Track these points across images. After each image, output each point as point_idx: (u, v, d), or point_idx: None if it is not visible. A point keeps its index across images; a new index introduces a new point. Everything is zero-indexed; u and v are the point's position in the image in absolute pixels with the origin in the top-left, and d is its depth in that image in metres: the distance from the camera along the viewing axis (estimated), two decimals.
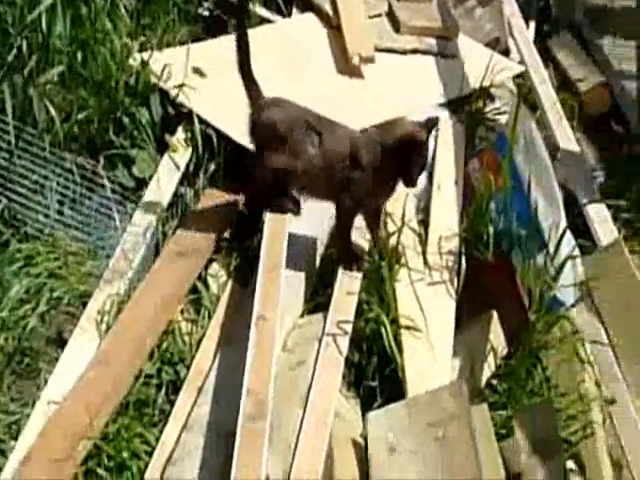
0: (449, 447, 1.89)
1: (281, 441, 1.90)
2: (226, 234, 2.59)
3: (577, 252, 2.67)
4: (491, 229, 2.54)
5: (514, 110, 2.99)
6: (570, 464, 2.13)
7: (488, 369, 2.35)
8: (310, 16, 3.45)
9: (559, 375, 2.34)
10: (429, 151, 2.38)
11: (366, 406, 2.15)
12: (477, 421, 2.02)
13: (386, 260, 2.38)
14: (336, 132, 2.40)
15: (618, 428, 2.27)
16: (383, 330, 2.22)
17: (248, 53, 2.46)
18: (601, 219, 2.91)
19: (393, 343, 2.17)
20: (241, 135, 2.72)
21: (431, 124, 2.37)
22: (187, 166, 2.65)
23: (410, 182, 2.35)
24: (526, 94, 3.51)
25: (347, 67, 3.19)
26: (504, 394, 2.28)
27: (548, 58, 3.90)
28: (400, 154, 2.30)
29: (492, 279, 2.46)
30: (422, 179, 2.84)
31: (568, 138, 3.28)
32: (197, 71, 2.84)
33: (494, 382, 2.33)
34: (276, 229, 2.40)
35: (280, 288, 2.21)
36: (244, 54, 2.46)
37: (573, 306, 2.50)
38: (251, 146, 2.63)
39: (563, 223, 2.71)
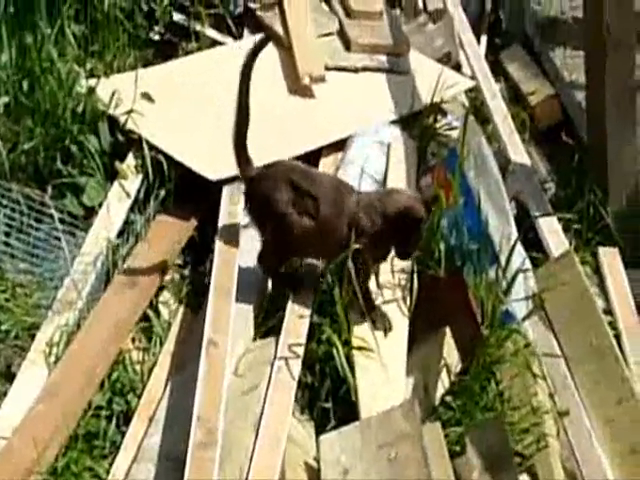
0: (401, 467, 1.89)
1: (233, 468, 1.89)
2: (178, 261, 2.60)
3: (528, 265, 2.70)
4: (442, 245, 2.56)
5: (463, 125, 3.04)
6: (524, 478, 2.15)
7: (442, 386, 2.36)
8: (261, 37, 3.47)
9: (512, 389, 2.34)
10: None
11: (320, 428, 2.14)
12: (430, 440, 2.03)
13: (337, 281, 2.39)
14: (333, 197, 2.32)
15: (572, 440, 2.28)
16: (335, 352, 2.21)
17: (247, 124, 2.40)
18: (552, 231, 2.94)
19: (345, 364, 2.17)
20: (191, 160, 2.73)
21: (429, 199, 2.36)
22: (137, 193, 2.64)
23: (405, 256, 2.35)
24: (478, 108, 3.57)
25: (298, 87, 3.21)
26: (458, 410, 2.28)
27: (499, 71, 3.95)
28: (398, 226, 2.28)
29: (445, 295, 2.47)
30: None
31: (519, 151, 3.31)
32: (146, 96, 2.84)
33: (448, 399, 2.34)
34: (227, 255, 2.39)
35: (231, 313, 2.21)
36: (242, 125, 2.40)
37: (525, 319, 2.52)
38: (206, 174, 2.65)
39: (514, 236, 2.73)
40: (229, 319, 2.18)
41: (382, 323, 2.33)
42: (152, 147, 2.71)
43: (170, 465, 1.91)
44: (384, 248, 2.36)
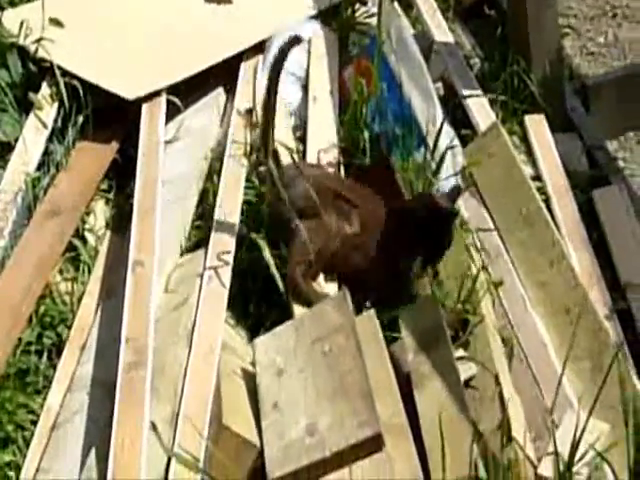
0: (335, 359, 1.78)
1: (167, 385, 1.79)
2: (103, 185, 2.45)
3: (456, 143, 2.56)
4: (366, 134, 2.42)
5: (378, 10, 2.86)
6: (461, 352, 2.06)
7: None
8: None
9: (447, 266, 2.24)
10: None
11: (255, 334, 2.03)
12: (364, 329, 1.93)
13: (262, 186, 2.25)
14: (370, 203, 2.12)
15: (507, 307, 2.20)
16: (267, 255, 2.10)
17: (273, 125, 2.11)
18: (479, 106, 2.78)
19: (273, 266, 2.06)
20: (107, 81, 2.55)
21: (455, 195, 2.12)
22: (55, 122, 2.46)
23: (433, 262, 2.10)
24: None
25: None
26: None
27: None
28: (431, 231, 2.05)
29: (373, 182, 2.34)
30: (297, 93, 2.73)
31: (443, 31, 3.12)
32: (54, 22, 2.63)
33: None
34: (149, 174, 2.25)
35: (156, 231, 2.08)
36: (269, 124, 2.10)
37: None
38: (123, 93, 2.48)
39: (439, 116, 2.58)
40: (154, 238, 2.06)
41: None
42: (66, 73, 2.52)
43: (104, 391, 1.81)
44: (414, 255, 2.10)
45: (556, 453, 1.66)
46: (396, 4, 3.25)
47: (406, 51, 2.76)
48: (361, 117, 2.46)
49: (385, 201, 2.27)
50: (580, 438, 1.70)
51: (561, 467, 1.69)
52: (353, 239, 2.10)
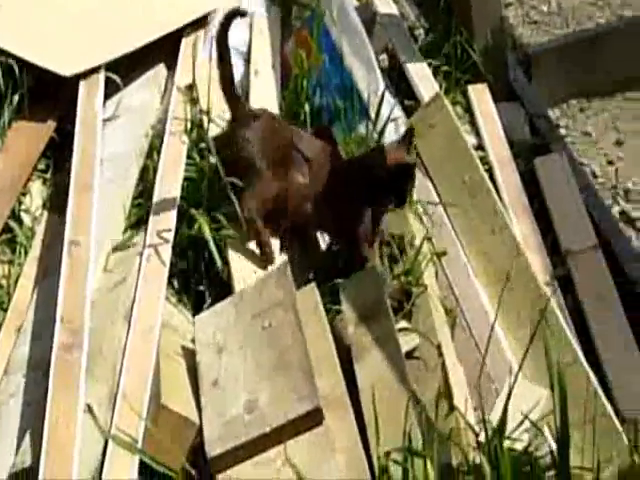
0: (275, 334, 1.75)
1: (104, 366, 1.74)
2: (41, 165, 2.38)
3: (399, 114, 2.53)
4: (307, 107, 2.37)
5: None
6: (404, 323, 2.04)
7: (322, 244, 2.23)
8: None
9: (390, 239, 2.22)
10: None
11: (197, 311, 1.99)
12: (306, 303, 1.90)
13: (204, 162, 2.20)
14: (324, 159, 2.11)
15: (450, 277, 2.18)
16: (206, 231, 2.06)
17: (230, 67, 2.14)
18: (422, 76, 2.75)
19: (212, 243, 2.02)
20: (42, 59, 2.46)
21: (409, 140, 2.12)
22: None
23: (402, 203, 2.10)
24: None
25: None
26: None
27: None
28: (392, 182, 2.05)
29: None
30: (239, 67, 2.67)
31: (386, 2, 3.08)
32: None
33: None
34: (86, 151, 2.18)
35: (93, 210, 2.02)
36: (226, 68, 2.15)
37: None
38: (59, 70, 2.40)
39: (382, 87, 2.55)
40: (91, 217, 2.00)
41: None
42: (0, 52, 2.45)
43: (40, 373, 1.75)
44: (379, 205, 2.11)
45: (484, 421, 1.63)
46: None
47: (347, 23, 2.72)
48: (302, 90, 2.41)
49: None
50: (507, 403, 1.67)
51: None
52: (304, 189, 2.09)
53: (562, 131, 2.86)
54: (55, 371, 1.65)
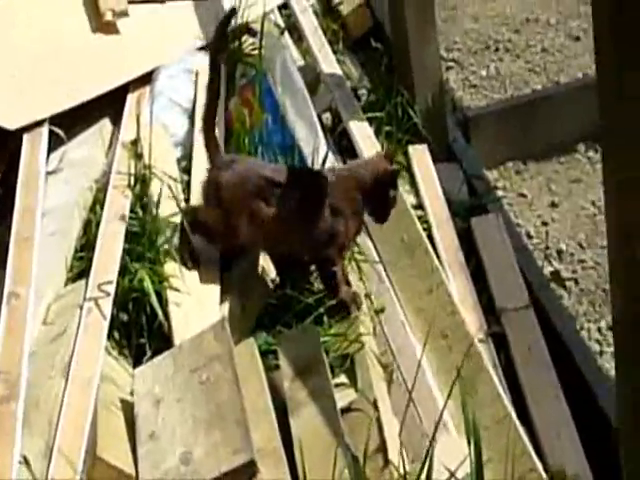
0: (212, 388, 1.83)
1: (41, 419, 1.79)
2: None
3: None
4: None
5: (259, 44, 2.94)
6: (342, 379, 2.13)
7: (261, 301, 2.32)
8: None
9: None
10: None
11: (137, 364, 2.07)
12: (244, 358, 1.99)
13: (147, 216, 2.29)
14: (305, 180, 2.20)
15: (388, 334, 2.28)
16: (147, 285, 2.14)
17: (216, 108, 2.22)
18: (364, 135, 2.89)
19: (154, 296, 2.09)
20: None
21: (390, 154, 2.28)
22: None
23: (384, 218, 2.24)
24: (294, 25, 3.47)
25: (101, 24, 3.04)
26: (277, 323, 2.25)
27: None
28: (375, 193, 2.18)
29: None
30: (183, 123, 2.78)
31: (330, 62, 3.23)
32: None
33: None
34: (27, 203, 2.26)
35: (33, 262, 2.10)
36: (211, 109, 2.21)
37: None
38: (3, 123, 2.46)
39: (323, 146, 2.68)
40: (31, 269, 2.07)
41: (353, 302, 2.20)
42: None
43: None
44: (362, 220, 2.24)
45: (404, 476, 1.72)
46: (286, 36, 3.38)
47: (290, 82, 2.86)
48: (243, 148, 2.53)
49: None
50: (430, 458, 1.76)
51: None
52: (281, 218, 2.14)
53: (499, 192, 3.02)
54: None
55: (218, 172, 2.18)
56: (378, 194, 2.19)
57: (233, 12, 2.35)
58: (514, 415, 2.06)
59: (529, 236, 2.95)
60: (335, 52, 3.40)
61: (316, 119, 2.74)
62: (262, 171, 2.18)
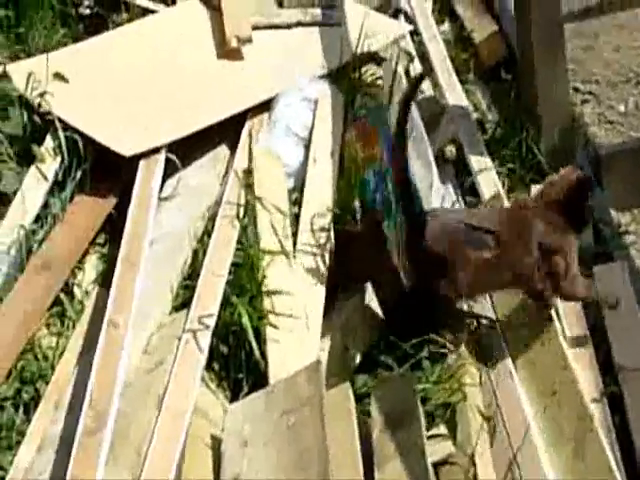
0: (298, 433, 1.82)
1: (128, 450, 1.84)
2: (100, 240, 2.54)
3: None
4: (357, 202, 2.48)
5: (389, 76, 2.93)
6: (442, 429, 2.08)
7: (363, 344, 2.30)
8: (194, 1, 3.37)
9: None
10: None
11: (235, 399, 2.09)
12: (339, 401, 1.97)
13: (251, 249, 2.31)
14: (511, 225, 2.21)
15: (495, 384, 2.20)
16: (245, 321, 2.16)
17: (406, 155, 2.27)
18: (485, 173, 2.82)
19: (251, 333, 2.11)
20: (105, 137, 2.63)
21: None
22: (55, 175, 2.58)
23: (582, 228, 2.27)
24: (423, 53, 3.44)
25: (226, 50, 3.11)
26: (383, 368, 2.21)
27: (446, 12, 3.81)
28: (572, 204, 2.21)
29: (363, 250, 2.40)
30: (299, 153, 2.80)
31: (457, 94, 3.19)
32: (59, 76, 2.75)
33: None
34: (136, 229, 2.33)
35: (135, 291, 2.15)
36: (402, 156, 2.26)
37: None
38: (120, 149, 2.56)
39: (436, 184, 2.64)
40: (133, 297, 2.13)
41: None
42: (67, 127, 2.63)
43: (69, 452, 1.85)
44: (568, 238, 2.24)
45: None
46: (415, 64, 3.35)
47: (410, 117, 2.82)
48: (356, 183, 2.52)
49: (374, 271, 2.34)
50: None
51: None
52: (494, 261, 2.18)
53: (630, 237, 2.88)
54: (76, 455, 1.76)
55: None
56: (574, 205, 2.21)
57: (423, 77, 2.41)
58: None
59: None
60: (465, 82, 3.36)
61: (431, 155, 2.70)
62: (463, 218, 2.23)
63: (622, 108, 3.29)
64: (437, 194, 2.56)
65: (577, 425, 2.07)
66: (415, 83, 2.41)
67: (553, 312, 2.33)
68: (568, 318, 2.39)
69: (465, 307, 2.34)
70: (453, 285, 2.20)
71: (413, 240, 2.22)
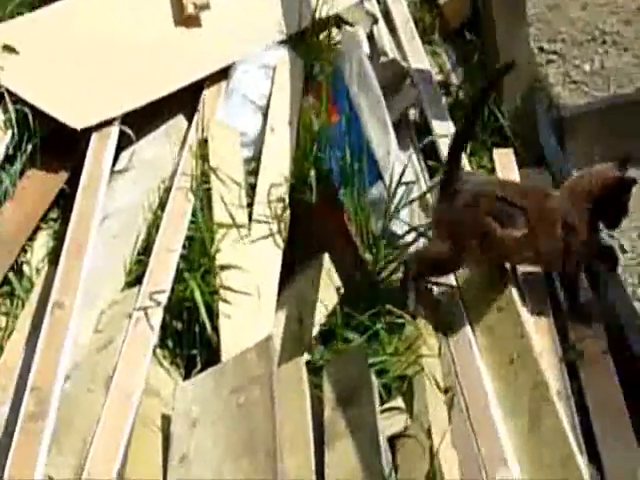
0: (248, 412, 1.76)
1: (74, 437, 1.77)
2: (52, 215, 2.46)
3: (412, 177, 2.52)
4: (312, 172, 2.39)
5: (344, 40, 2.84)
6: (399, 402, 2.02)
7: (320, 316, 2.23)
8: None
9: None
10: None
11: (189, 376, 2.02)
12: (292, 377, 1.91)
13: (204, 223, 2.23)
14: (539, 201, 2.15)
15: (454, 353, 2.15)
16: (197, 296, 2.09)
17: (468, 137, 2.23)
18: (446, 134, 2.74)
19: (203, 309, 2.04)
20: (56, 109, 2.53)
21: (625, 162, 2.19)
22: (7, 150, 2.47)
23: (615, 225, 2.20)
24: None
25: (183, 17, 3.00)
26: (339, 342, 2.15)
27: None
28: (607, 201, 2.13)
29: (320, 222, 2.32)
30: (256, 122, 2.71)
31: (420, 57, 3.09)
32: (8, 49, 2.65)
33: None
34: (85, 206, 2.24)
35: (82, 271, 2.06)
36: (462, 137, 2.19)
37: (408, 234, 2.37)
38: (71, 122, 2.46)
39: (394, 150, 2.55)
40: (79, 277, 2.04)
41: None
42: (18, 100, 2.52)
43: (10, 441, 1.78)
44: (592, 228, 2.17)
45: None
46: (380, 27, 3.25)
47: (366, 82, 2.72)
48: (311, 151, 2.44)
49: (331, 243, 2.27)
50: None
51: None
52: (522, 240, 2.11)
53: None
54: (17, 441, 1.68)
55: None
56: (609, 202, 2.13)
57: (509, 67, 2.27)
58: (579, 457, 1.89)
59: (623, 250, 2.73)
60: (430, 43, 3.27)
61: (389, 121, 2.60)
62: (495, 190, 2.14)
63: (587, 67, 3.19)
64: (397, 159, 2.48)
65: (533, 394, 2.01)
66: (496, 77, 2.33)
67: (513, 279, 2.29)
68: (528, 285, 2.33)
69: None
70: (470, 255, 2.13)
71: (443, 206, 2.14)
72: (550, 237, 2.13)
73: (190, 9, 3.00)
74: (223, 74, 2.80)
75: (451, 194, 2.14)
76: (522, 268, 2.31)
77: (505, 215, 2.13)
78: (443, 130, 2.79)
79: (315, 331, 2.18)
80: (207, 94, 2.73)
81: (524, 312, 2.19)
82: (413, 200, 2.46)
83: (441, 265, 2.20)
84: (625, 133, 2.89)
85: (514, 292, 2.22)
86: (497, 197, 2.13)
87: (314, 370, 2.06)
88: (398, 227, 2.40)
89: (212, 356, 2.05)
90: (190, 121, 2.68)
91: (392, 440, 1.95)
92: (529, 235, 2.13)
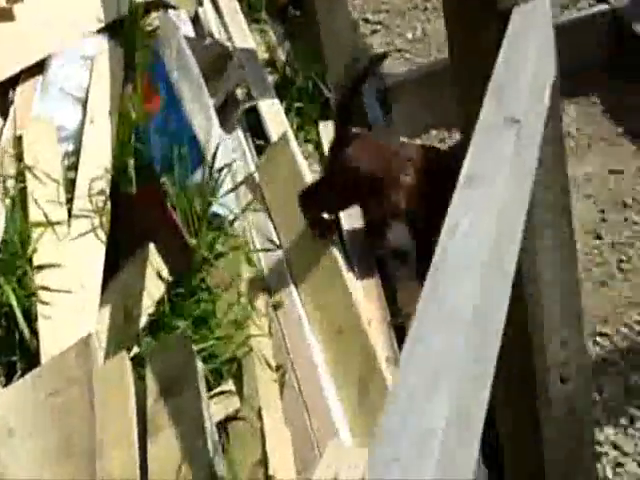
0: (66, 414, 1.69)
1: None
2: None
3: (235, 158, 2.48)
4: (132, 162, 2.32)
5: (161, 24, 2.76)
6: (230, 385, 1.98)
7: (150, 307, 2.17)
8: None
9: (223, 295, 2.16)
10: None
11: (9, 383, 1.93)
12: (115, 373, 1.84)
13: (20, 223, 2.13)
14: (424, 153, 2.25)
15: (285, 331, 2.13)
16: (12, 301, 1.99)
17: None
18: (273, 114, 2.70)
19: (19, 313, 1.95)
20: None
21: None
22: None
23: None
24: None
25: None
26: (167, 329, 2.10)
27: None
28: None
29: (141, 212, 2.25)
30: (76, 115, 2.61)
31: (244, 36, 3.04)
32: None
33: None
34: None
35: None
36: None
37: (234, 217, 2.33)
38: None
39: (217, 133, 2.49)
40: None
41: None
42: None
43: None
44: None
45: None
46: (206, 7, 3.18)
47: (186, 66, 2.65)
48: (129, 141, 2.36)
49: (155, 232, 2.21)
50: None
51: None
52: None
53: None
54: None
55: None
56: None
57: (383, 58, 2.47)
58: None
59: None
60: (258, 22, 3.23)
61: (211, 104, 2.54)
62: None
63: (410, 35, 3.21)
64: (220, 141, 2.42)
65: (362, 364, 2.01)
66: (369, 66, 2.34)
67: (339, 246, 2.28)
68: (355, 251, 2.33)
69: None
70: (384, 205, 2.19)
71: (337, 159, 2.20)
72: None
73: (2, 2, 2.87)
74: (39, 68, 2.69)
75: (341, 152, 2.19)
76: (348, 233, 2.33)
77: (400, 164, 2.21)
78: (269, 107, 2.76)
79: (143, 322, 2.13)
80: (22, 89, 2.61)
81: (352, 280, 2.20)
82: (242, 182, 2.42)
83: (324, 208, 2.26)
84: (445, 97, 2.92)
85: (340, 260, 2.23)
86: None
87: (143, 363, 2.01)
88: (221, 209, 2.36)
89: (33, 361, 1.97)
90: (4, 118, 2.57)
91: (225, 425, 1.93)
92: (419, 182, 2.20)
